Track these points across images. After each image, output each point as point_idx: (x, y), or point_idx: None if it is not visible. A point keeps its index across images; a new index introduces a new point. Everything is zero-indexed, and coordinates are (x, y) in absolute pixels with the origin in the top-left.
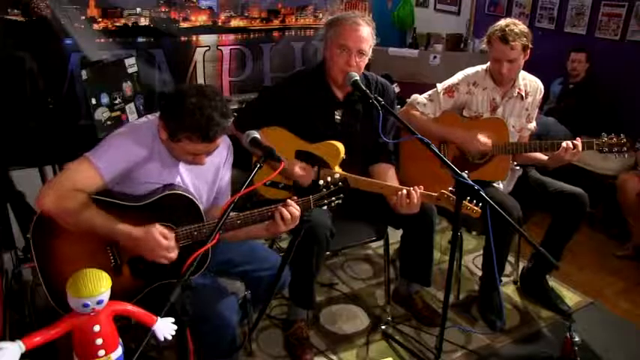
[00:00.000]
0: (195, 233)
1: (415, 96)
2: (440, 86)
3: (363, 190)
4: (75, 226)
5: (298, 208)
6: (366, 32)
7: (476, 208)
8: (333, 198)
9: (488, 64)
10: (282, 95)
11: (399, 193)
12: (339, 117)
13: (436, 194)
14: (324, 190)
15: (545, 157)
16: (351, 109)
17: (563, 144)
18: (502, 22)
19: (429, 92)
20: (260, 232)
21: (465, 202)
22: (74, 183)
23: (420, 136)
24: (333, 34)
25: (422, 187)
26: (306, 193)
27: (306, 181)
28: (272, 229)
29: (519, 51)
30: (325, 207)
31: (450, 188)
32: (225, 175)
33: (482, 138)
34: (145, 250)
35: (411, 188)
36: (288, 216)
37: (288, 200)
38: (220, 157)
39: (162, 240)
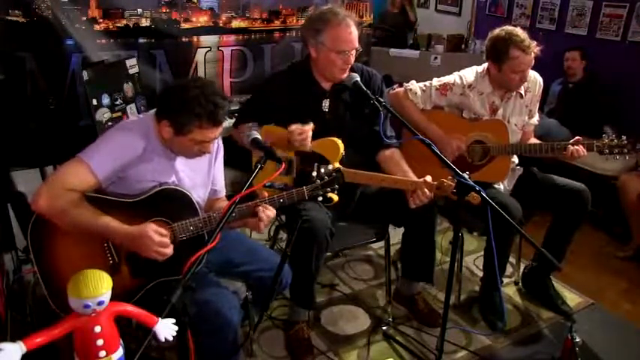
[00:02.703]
0: (192, 228)
1: (412, 82)
2: (435, 81)
3: (363, 184)
4: (70, 225)
5: (273, 211)
6: (355, 28)
7: (476, 194)
8: (328, 189)
9: (484, 66)
10: (268, 92)
11: (416, 192)
12: (326, 107)
13: (436, 183)
14: (318, 181)
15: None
16: (338, 99)
17: (568, 150)
18: (510, 33)
19: (425, 83)
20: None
21: None
22: (67, 183)
23: (421, 137)
24: (325, 40)
25: (429, 176)
26: (304, 185)
27: (307, 143)
28: (251, 224)
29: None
30: (320, 198)
31: (450, 177)
32: (219, 163)
33: (457, 143)
34: (139, 247)
35: (420, 180)
36: (264, 218)
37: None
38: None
39: (157, 236)
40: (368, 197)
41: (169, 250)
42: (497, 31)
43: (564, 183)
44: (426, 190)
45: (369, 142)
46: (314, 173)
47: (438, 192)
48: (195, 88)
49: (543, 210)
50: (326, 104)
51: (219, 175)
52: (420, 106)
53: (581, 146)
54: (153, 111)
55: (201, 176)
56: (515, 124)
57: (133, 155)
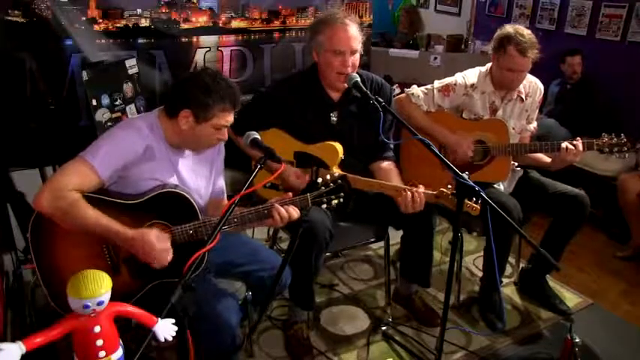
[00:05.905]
0: (191, 232)
1: (414, 86)
2: (437, 83)
3: (363, 190)
4: (71, 225)
5: (298, 211)
6: (355, 30)
7: (475, 205)
8: (332, 196)
9: (488, 66)
10: (276, 99)
11: (404, 194)
12: (335, 118)
13: (435, 192)
14: (323, 188)
15: (547, 160)
16: (347, 110)
17: (563, 145)
18: (517, 32)
19: (426, 86)
20: (256, 223)
21: (465, 200)
22: (70, 182)
23: (421, 137)
24: (323, 40)
25: (422, 186)
26: (306, 192)
27: (301, 186)
28: (269, 223)
29: (531, 61)
30: (324, 205)
31: (449, 186)
32: (220, 163)
33: (470, 146)
34: (139, 251)
35: (413, 189)
36: (286, 215)
37: (290, 206)
38: (214, 147)
39: (157, 243)
40: (368, 199)
41: (168, 258)
42: (508, 26)
43: (563, 189)
44: (415, 194)
45: (372, 150)
46: (319, 180)
47: (438, 201)
48: (208, 75)
49: (543, 212)
50: (334, 116)
51: (219, 176)
52: (423, 109)
53: (579, 142)
54: (157, 109)
55: (202, 176)
56: (514, 128)
57: (135, 154)
